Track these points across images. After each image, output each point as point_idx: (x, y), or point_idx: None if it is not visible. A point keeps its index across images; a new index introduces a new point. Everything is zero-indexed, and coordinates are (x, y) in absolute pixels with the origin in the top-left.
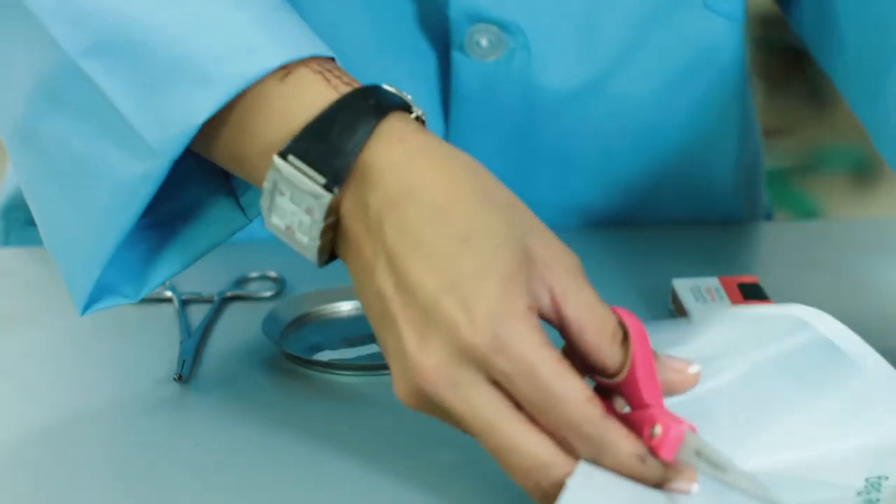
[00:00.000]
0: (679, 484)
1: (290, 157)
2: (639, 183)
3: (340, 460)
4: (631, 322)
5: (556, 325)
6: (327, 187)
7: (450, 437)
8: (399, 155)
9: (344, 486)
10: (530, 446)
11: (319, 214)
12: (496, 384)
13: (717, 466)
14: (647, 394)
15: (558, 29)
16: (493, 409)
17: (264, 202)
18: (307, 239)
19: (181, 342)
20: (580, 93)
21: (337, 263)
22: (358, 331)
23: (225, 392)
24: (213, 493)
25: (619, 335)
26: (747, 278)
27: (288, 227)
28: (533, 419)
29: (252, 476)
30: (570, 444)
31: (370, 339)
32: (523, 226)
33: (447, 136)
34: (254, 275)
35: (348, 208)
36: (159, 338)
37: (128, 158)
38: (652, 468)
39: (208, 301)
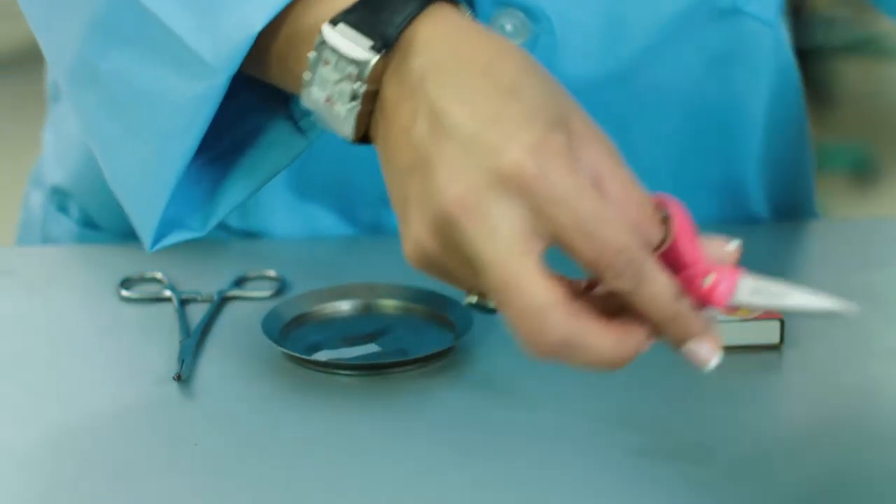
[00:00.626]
0: (701, 346)
1: (340, 25)
2: (662, 178)
3: (340, 460)
4: (670, 201)
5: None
6: (374, 49)
7: (450, 436)
8: (446, 28)
9: (343, 485)
10: (535, 288)
11: (363, 78)
12: (525, 219)
13: (777, 295)
14: (692, 257)
15: (584, 16)
16: (512, 243)
17: (306, 76)
18: (345, 109)
19: (180, 341)
20: (605, 83)
21: (335, 264)
22: (357, 330)
23: (224, 392)
24: (212, 492)
25: (659, 213)
26: None
27: (328, 98)
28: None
29: (251, 476)
30: (613, 272)
31: (370, 338)
32: (565, 101)
33: None
34: (253, 274)
35: (390, 77)
36: (158, 337)
37: (186, 80)
38: (685, 310)
39: (207, 301)
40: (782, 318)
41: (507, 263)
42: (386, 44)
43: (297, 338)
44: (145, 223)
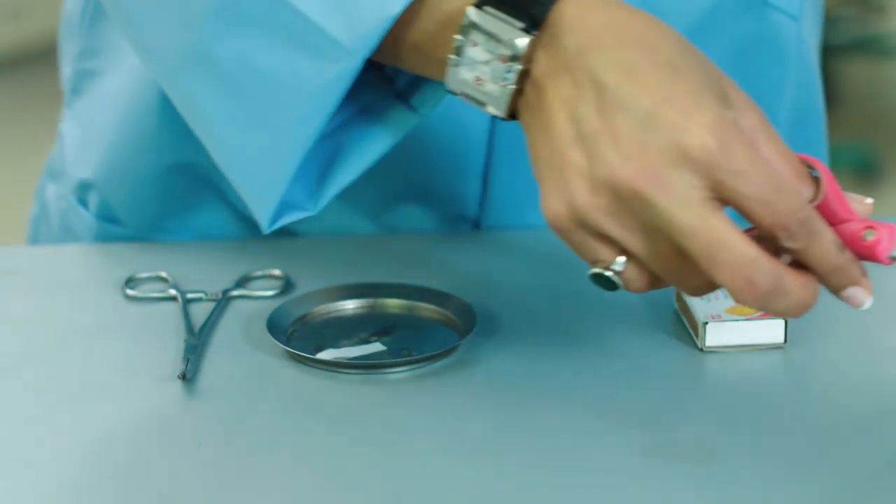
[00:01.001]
0: (858, 291)
1: (486, 7)
2: None
3: (344, 458)
4: (814, 160)
5: None
6: (525, 30)
7: (454, 435)
8: (592, 5)
9: (347, 483)
10: (739, 242)
11: (517, 59)
12: (709, 189)
13: None
14: (845, 212)
15: None
16: (708, 209)
17: (453, 58)
18: (498, 87)
19: (185, 341)
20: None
21: (340, 263)
22: (362, 329)
23: (229, 390)
24: (216, 491)
25: (809, 171)
26: None
27: (477, 79)
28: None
29: (255, 474)
30: (788, 237)
31: (374, 337)
32: (718, 74)
33: (495, 121)
34: (257, 273)
35: (540, 55)
36: (163, 336)
37: (319, 63)
38: (848, 261)
39: (212, 300)
40: (786, 318)
41: (711, 226)
42: (535, 24)
43: (301, 337)
44: (264, 205)
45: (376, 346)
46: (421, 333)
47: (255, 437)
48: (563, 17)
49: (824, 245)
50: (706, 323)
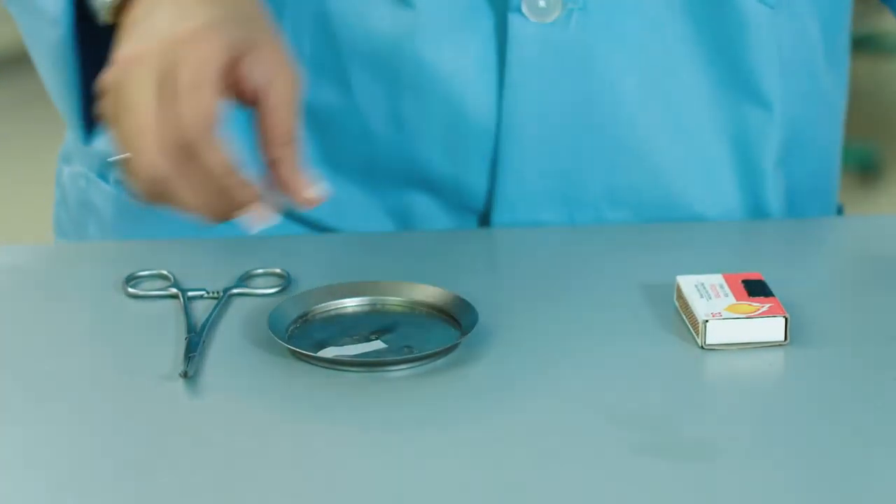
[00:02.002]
0: (254, 218)
1: None
2: (681, 170)
3: (345, 456)
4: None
5: (256, 103)
6: None
7: (454, 433)
8: None
9: (349, 481)
10: (150, 132)
11: None
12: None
13: None
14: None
15: None
16: (153, 94)
17: None
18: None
19: (186, 338)
20: (637, 56)
21: (341, 261)
22: (363, 327)
23: (230, 388)
24: (217, 488)
25: (291, 140)
26: (752, 275)
27: None
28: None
29: (257, 472)
30: (180, 134)
31: (375, 335)
32: (266, 26)
33: (500, 104)
34: (258, 271)
35: None
36: (165, 334)
37: (50, 28)
38: (239, 184)
39: (214, 298)
40: (786, 316)
41: (142, 109)
42: None
43: (303, 335)
44: (75, 129)
45: (377, 345)
46: (422, 331)
47: (257, 435)
48: None
49: (214, 157)
50: (706, 321)
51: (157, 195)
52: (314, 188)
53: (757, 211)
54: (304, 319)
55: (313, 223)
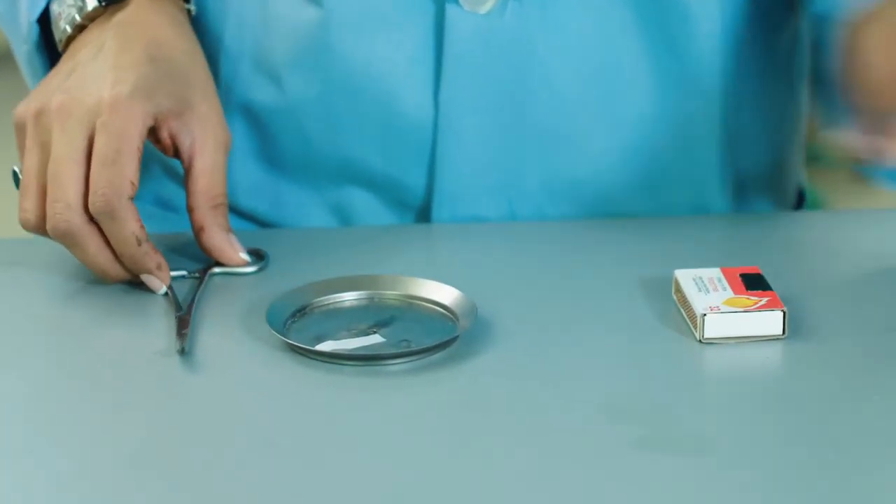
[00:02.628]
0: (150, 279)
1: None
2: (622, 164)
3: (342, 450)
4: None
5: (185, 167)
6: (100, 2)
7: (452, 427)
8: (152, 10)
9: (345, 474)
10: (72, 185)
11: (82, 14)
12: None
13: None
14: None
15: None
16: (76, 147)
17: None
18: (62, 25)
19: (177, 316)
20: (574, 49)
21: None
22: (361, 321)
23: (227, 383)
24: (215, 483)
25: (220, 204)
26: (750, 269)
27: (59, 14)
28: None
29: (254, 466)
30: (92, 202)
31: (373, 329)
32: (200, 87)
33: (437, 93)
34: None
35: (98, 22)
36: (154, 320)
37: (23, 42)
38: (143, 253)
39: (195, 278)
40: (784, 310)
41: (64, 161)
42: (110, 4)
43: (300, 329)
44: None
45: (375, 338)
46: (420, 325)
47: (254, 429)
48: (128, 6)
49: (122, 231)
50: (705, 315)
51: (65, 239)
52: (241, 253)
53: (701, 207)
54: (302, 313)
55: (252, 218)
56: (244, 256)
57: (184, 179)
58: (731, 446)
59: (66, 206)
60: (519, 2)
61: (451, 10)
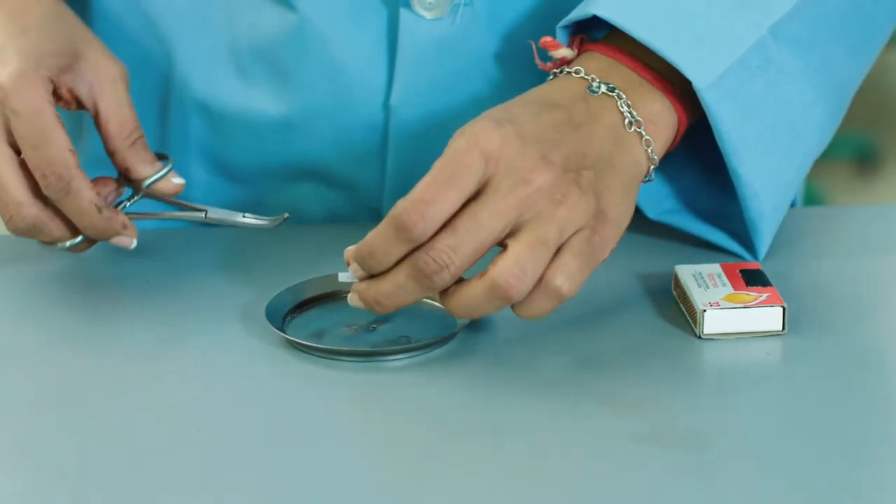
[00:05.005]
0: (121, 239)
1: None
2: None
3: (342, 445)
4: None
5: (92, 115)
6: None
7: (451, 422)
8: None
9: (345, 470)
10: (13, 183)
11: None
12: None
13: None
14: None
15: None
16: (4, 148)
17: None
18: None
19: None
20: (527, 54)
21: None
22: (360, 317)
23: (227, 378)
24: (215, 478)
25: (137, 139)
26: (750, 264)
27: None
28: (23, 164)
29: (254, 462)
30: (45, 185)
31: (373, 325)
32: (78, 36)
33: (388, 97)
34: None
35: None
36: (149, 318)
37: None
38: (106, 219)
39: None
40: (784, 305)
41: None
42: None
43: (299, 324)
44: None
45: (374, 334)
46: (419, 321)
47: (253, 425)
48: None
49: (79, 203)
50: (704, 310)
51: (30, 234)
52: (175, 178)
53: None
54: (301, 309)
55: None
56: (179, 181)
57: (95, 126)
58: (730, 442)
59: (17, 205)
60: (471, 6)
61: (404, 14)
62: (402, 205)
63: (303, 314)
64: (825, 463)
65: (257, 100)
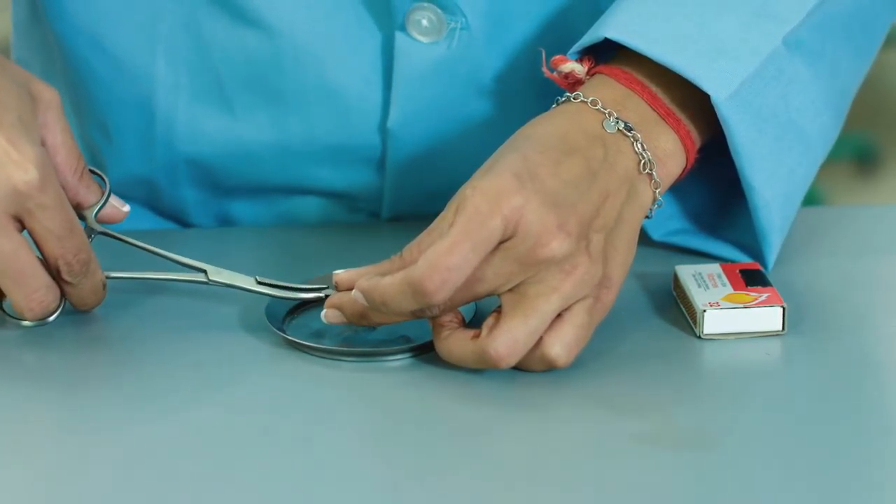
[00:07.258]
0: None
1: None
2: None
3: (342, 445)
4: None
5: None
6: None
7: (452, 421)
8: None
9: (345, 470)
10: (41, 270)
11: None
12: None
13: None
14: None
15: (501, 11)
16: (17, 241)
17: None
18: None
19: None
20: (526, 76)
21: (334, 250)
22: None
23: (227, 378)
24: (215, 478)
25: (83, 169)
26: (750, 264)
27: None
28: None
29: (254, 461)
30: (68, 271)
31: (373, 325)
32: (21, 78)
33: (385, 120)
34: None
35: None
36: (147, 316)
37: None
38: (104, 292)
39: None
40: (784, 305)
41: (14, 257)
42: None
43: (299, 325)
44: None
45: (375, 334)
46: (420, 321)
47: (253, 425)
48: None
49: (95, 283)
50: (704, 310)
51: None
52: (123, 207)
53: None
54: (301, 309)
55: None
56: (125, 209)
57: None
58: (730, 442)
59: (48, 288)
60: (467, 30)
61: (399, 38)
62: (423, 266)
63: (303, 314)
64: (825, 463)
65: (248, 128)
